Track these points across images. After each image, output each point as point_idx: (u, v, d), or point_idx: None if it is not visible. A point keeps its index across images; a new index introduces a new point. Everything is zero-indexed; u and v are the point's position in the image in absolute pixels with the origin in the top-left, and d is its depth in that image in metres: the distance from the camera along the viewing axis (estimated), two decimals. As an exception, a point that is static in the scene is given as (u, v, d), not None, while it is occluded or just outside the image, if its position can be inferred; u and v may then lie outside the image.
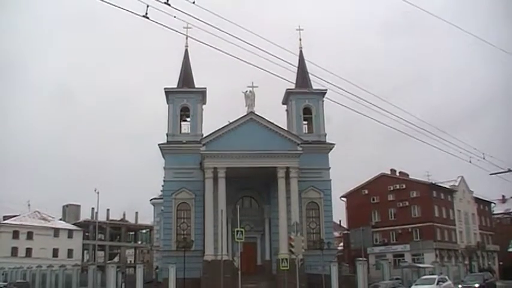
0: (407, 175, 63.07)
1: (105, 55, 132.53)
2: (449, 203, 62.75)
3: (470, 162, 26.35)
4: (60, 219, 74.20)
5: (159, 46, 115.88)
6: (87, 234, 72.59)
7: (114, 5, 13.54)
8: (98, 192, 53.62)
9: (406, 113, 22.19)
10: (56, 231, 69.26)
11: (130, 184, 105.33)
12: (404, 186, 60.60)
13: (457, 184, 64.76)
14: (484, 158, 26.52)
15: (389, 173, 63.31)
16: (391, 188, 61.15)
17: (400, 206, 60.04)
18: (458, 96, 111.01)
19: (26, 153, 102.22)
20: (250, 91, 38.71)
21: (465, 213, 65.45)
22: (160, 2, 13.60)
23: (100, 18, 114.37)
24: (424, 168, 79.28)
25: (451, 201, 63.15)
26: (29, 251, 65.15)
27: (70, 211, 76.38)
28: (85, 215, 74.82)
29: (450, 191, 63.43)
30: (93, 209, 70.27)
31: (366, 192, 62.80)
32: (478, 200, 68.85)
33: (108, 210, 76.44)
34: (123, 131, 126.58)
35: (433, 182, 60.69)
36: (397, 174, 63.25)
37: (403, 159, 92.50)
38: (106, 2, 13.37)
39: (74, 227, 71.85)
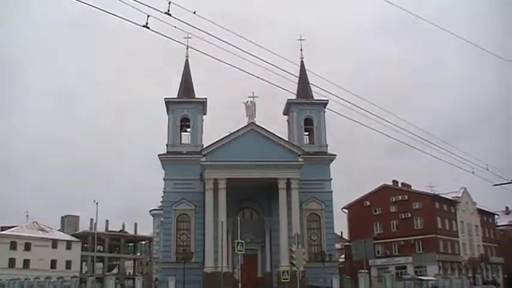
0: (410, 186, 62.96)
1: (104, 64, 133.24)
2: (452, 215, 62.53)
3: (473, 173, 26.21)
4: (59, 230, 74.04)
5: (159, 56, 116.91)
6: (85, 245, 72.43)
7: (115, 15, 13.66)
8: (97, 203, 53.54)
9: (409, 124, 22.17)
10: (54, 243, 69.10)
11: (130, 195, 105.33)
12: (406, 198, 60.43)
13: (460, 195, 64.55)
14: (487, 169, 26.43)
15: (391, 184, 63.20)
16: (393, 200, 61.00)
17: (402, 217, 59.82)
18: (462, 106, 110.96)
19: (24, 163, 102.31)
20: (251, 101, 39.02)
21: (468, 225, 65.19)
22: (161, 12, 13.68)
23: (99, 27, 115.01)
24: (427, 180, 79.04)
25: (454, 212, 62.91)
26: (26, 263, 64.94)
27: (69, 222, 76.28)
28: (84, 226, 74.82)
29: (453, 203, 63.24)
30: (92, 220, 70.43)
31: (368, 203, 62.65)
32: (481, 212, 68.60)
33: (107, 221, 76.45)
34: (123, 142, 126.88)
35: (436, 193, 60.55)
36: (400, 185, 63.16)
37: (406, 170, 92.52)
38: (107, 12, 13.50)
39: (73, 238, 71.70)
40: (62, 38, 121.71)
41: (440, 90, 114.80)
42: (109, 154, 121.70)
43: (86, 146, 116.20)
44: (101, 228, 71.08)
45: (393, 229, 60.53)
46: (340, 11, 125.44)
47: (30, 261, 64.91)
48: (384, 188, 62.39)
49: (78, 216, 76.96)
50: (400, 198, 60.71)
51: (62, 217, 77.21)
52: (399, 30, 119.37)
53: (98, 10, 13.35)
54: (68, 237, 71.58)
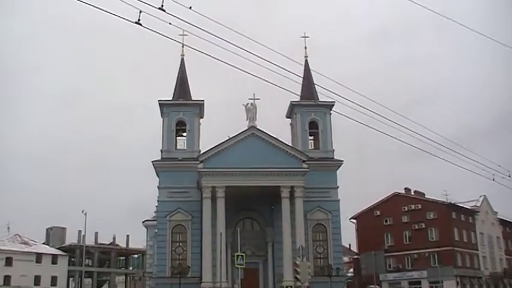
0: (424, 194, 63.20)
1: (93, 65, 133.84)
2: (471, 225, 62.63)
3: (493, 180, 26.23)
4: (44, 243, 74.29)
5: (153, 55, 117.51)
6: (73, 259, 72.65)
7: (105, 10, 13.84)
8: (85, 214, 53.70)
9: (423, 128, 22.45)
10: (39, 257, 69.22)
11: (121, 205, 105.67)
12: (420, 207, 60.72)
13: (479, 204, 64.64)
14: (509, 176, 26.53)
15: (403, 192, 63.51)
16: (406, 209, 61.28)
17: (415, 228, 60.08)
18: (480, 108, 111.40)
19: (5, 170, 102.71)
20: (251, 104, 39.44)
21: (489, 237, 65.25)
22: (154, 7, 13.83)
23: (87, 24, 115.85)
24: (442, 187, 79.12)
25: (472, 223, 63.02)
26: (7, 279, 64.93)
27: (54, 234, 76.56)
28: (71, 239, 75.04)
29: (471, 212, 63.38)
30: (80, 231, 70.52)
31: (378, 213, 62.96)
32: (503, 222, 68.60)
33: (96, 233, 76.69)
34: (114, 148, 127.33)
35: (452, 202, 60.72)
36: (412, 193, 63.43)
37: (419, 177, 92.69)
38: (96, 7, 13.68)
39: (59, 252, 71.92)
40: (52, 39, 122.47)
41: (457, 92, 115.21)
42: (99, 161, 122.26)
43: (73, 153, 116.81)
44: (89, 241, 71.26)
45: (406, 241, 60.78)
46: (348, 10, 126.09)
47: (12, 278, 64.90)
48: (395, 197, 62.70)
49: (64, 228, 77.30)
50: (413, 207, 60.98)
51: (47, 229, 77.52)
52: (415, 29, 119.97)
53: (89, 7, 13.51)
54: (54, 251, 71.81)
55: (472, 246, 61.34)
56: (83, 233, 65.30)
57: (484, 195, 65.25)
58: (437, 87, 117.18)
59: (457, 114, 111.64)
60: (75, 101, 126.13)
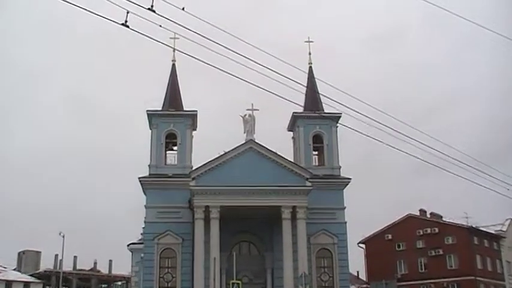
0: (441, 217, 63.64)
1: (76, 68, 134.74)
2: (496, 252, 62.79)
3: (521, 201, 26.44)
4: (15, 270, 74.33)
5: (141, 60, 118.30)
6: (48, 287, 72.64)
7: (90, 11, 14.18)
8: (63, 236, 54.13)
9: (439, 142, 22.83)
10: (9, 284, 69.16)
11: (104, 226, 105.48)
12: (437, 231, 61.02)
13: (505, 229, 64.79)
14: (540, 197, 26.66)
15: (418, 214, 63.91)
16: (421, 233, 61.62)
17: (432, 254, 60.35)
18: (505, 119, 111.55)
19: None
20: (249, 115, 39.84)
21: (517, 265, 65.33)
22: (143, 7, 14.15)
23: (72, 25, 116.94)
24: (462, 209, 79.32)
25: (497, 249, 63.22)
26: (-27, 310, 65.01)
27: (28, 259, 76.69)
28: (46, 264, 75.29)
29: (496, 237, 63.59)
30: (56, 256, 70.93)
31: (390, 237, 63.26)
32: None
33: (75, 257, 76.96)
34: (96, 161, 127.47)
35: (474, 226, 60.90)
36: (428, 215, 63.85)
37: (435, 197, 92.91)
38: (82, 8, 14.00)
39: (32, 279, 71.95)
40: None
41: (478, 101, 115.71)
42: (80, 176, 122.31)
43: (52, 167, 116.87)
44: (67, 266, 71.51)
45: (421, 269, 61.03)
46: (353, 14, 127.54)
47: (-21, 309, 64.93)
48: (409, 219, 63.06)
49: (39, 252, 77.44)
50: (429, 231, 61.29)
51: (19, 253, 77.65)
52: (426, 31, 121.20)
53: (74, 7, 13.80)
54: (26, 278, 71.81)
55: (497, 276, 61.32)
56: (59, 258, 65.81)
57: (511, 219, 65.41)
58: (456, 95, 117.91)
59: (478, 126, 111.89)
60: (54, 112, 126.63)
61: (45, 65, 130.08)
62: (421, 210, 64.36)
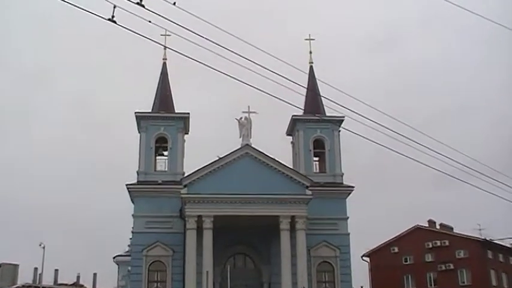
0: (451, 228, 63.70)
1: (57, 65, 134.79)
2: (512, 267, 63.07)
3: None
4: (-10, 284, 74.29)
5: (129, 58, 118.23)
6: (26, 303, 72.62)
7: (73, 5, 14.22)
8: (43, 247, 54.00)
9: (450, 148, 22.77)
10: (-17, 300, 69.21)
11: (88, 236, 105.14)
12: (447, 243, 61.11)
13: (521, 241, 65.03)
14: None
15: (426, 225, 63.98)
16: (430, 245, 61.69)
17: (442, 269, 60.40)
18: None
19: None
20: (245, 118, 40.10)
21: (535, 281, 65.48)
22: (131, 2, 14.21)
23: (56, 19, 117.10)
24: (475, 220, 79.28)
25: (514, 264, 63.45)
26: None
27: (4, 272, 76.47)
28: (25, 278, 75.04)
29: (512, 251, 63.87)
30: (36, 269, 70.75)
31: (396, 250, 63.40)
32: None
33: (56, 271, 76.81)
34: (80, 167, 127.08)
35: (488, 239, 60.90)
36: (438, 227, 63.90)
37: (445, 207, 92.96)
38: (66, 1, 14.07)
39: (9, 294, 71.89)
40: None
41: (493, 104, 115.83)
42: (61, 184, 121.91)
43: (32, 175, 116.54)
44: (47, 281, 71.33)
45: (430, 284, 61.08)
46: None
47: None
48: (417, 230, 63.14)
49: (17, 265, 77.21)
50: (438, 243, 61.37)
51: (-4, 266, 77.44)
52: (436, 26, 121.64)
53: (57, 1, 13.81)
54: (3, 293, 71.79)
55: (514, 293, 61.47)
56: (39, 271, 65.55)
57: (528, 231, 65.63)
58: (469, 97, 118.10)
59: (492, 131, 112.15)
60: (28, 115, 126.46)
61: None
62: (430, 221, 64.40)
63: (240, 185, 37.90)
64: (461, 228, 62.79)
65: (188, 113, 43.86)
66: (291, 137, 46.32)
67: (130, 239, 42.77)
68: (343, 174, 43.37)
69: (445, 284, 59.46)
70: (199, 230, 37.50)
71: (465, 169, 23.18)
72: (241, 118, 40.24)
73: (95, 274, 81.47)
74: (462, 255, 59.91)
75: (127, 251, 49.29)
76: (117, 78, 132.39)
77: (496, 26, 25.97)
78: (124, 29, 14.60)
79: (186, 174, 40.03)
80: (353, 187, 42.50)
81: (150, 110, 44.49)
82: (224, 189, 37.73)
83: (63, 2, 13.92)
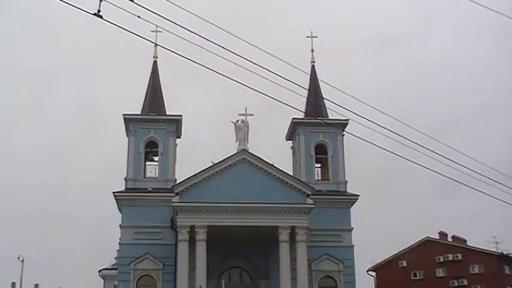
0: (465, 241, 63.96)
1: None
2: (532, 284, 63.09)
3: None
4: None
5: (117, 57, 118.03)
6: (4, 321, 72.55)
7: None
8: (22, 260, 54.10)
9: (464, 155, 22.93)
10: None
11: (71, 248, 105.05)
12: (460, 257, 61.40)
13: (542, 256, 65.14)
14: None
15: (437, 237, 64.28)
16: (441, 259, 62.00)
17: (455, 285, 60.67)
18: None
19: None
20: (242, 121, 40.30)
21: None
22: None
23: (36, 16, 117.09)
24: (490, 233, 79.48)
25: (533, 280, 63.53)
26: None
27: (-20, 287, 76.54)
28: (2, 294, 74.96)
29: (532, 266, 63.93)
30: (13, 284, 70.64)
31: (404, 264, 63.61)
32: None
33: (36, 286, 76.71)
34: (64, 174, 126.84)
35: (505, 253, 61.15)
36: (450, 239, 64.22)
37: (458, 218, 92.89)
38: None
39: (-15, 311, 71.85)
40: None
41: (504, 108, 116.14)
42: (43, 185, 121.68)
43: (11, 181, 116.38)
44: (27, 297, 71.28)
45: (442, 302, 61.36)
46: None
47: None
48: (427, 243, 63.44)
49: (-7, 280, 77.27)
50: (450, 257, 61.66)
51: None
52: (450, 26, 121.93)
53: None
54: (-21, 310, 71.70)
55: (532, 312, 61.60)
56: (17, 286, 65.52)
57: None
58: (482, 98, 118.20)
59: (508, 135, 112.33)
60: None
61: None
62: (441, 233, 64.70)
63: (236, 193, 37.96)
64: (475, 240, 63.21)
65: (180, 116, 44.08)
66: (291, 142, 46.56)
67: (118, 251, 42.75)
68: (347, 181, 43.54)
69: (458, 301, 59.74)
70: (192, 242, 37.52)
71: (479, 176, 23.14)
72: (237, 121, 40.42)
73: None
74: (477, 271, 60.28)
75: (113, 264, 49.26)
76: (101, 76, 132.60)
77: (508, 20, 26.03)
78: (111, 24, 14.71)
79: (178, 181, 40.00)
80: (358, 195, 42.62)
81: (139, 112, 44.62)
82: (219, 197, 37.81)
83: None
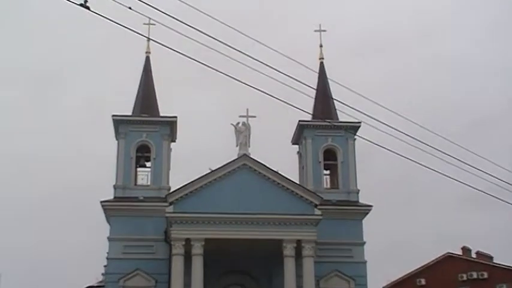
0: (491, 258, 63.81)
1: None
2: None
3: None
4: None
5: (106, 52, 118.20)
6: None
7: None
8: (-1, 276, 54.41)
9: (491, 163, 23.41)
10: None
11: (54, 264, 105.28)
12: (485, 276, 61.23)
13: None
14: None
15: (460, 253, 64.21)
16: (464, 277, 61.80)
17: (479, 305, 60.70)
18: None
19: None
20: (243, 123, 40.33)
21: None
22: None
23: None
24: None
25: None
26: None
27: (-46, 306, 76.87)
28: (-22, 314, 75.24)
29: None
30: (-9, 303, 70.95)
31: (423, 282, 63.46)
32: None
33: (16, 305, 76.94)
34: (48, 182, 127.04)
35: (535, 271, 61.34)
36: (474, 255, 64.16)
37: (482, 233, 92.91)
38: None
39: (-40, 332, 72.13)
40: None
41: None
42: (24, 200, 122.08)
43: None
44: (5, 317, 71.57)
45: (464, 325, 61.29)
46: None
47: None
48: (448, 259, 63.33)
49: (-31, 298, 77.62)
50: (474, 275, 61.48)
51: None
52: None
53: None
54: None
55: None
56: (-4, 305, 65.83)
57: None
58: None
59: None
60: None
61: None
62: (464, 249, 64.61)
63: (236, 202, 37.99)
64: (502, 257, 63.14)
65: (175, 117, 44.18)
66: (297, 146, 46.77)
67: (105, 266, 42.83)
68: (359, 190, 43.69)
69: (483, 323, 59.75)
70: (188, 256, 37.47)
71: (507, 186, 23.54)
72: (238, 123, 40.42)
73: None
74: (504, 290, 60.18)
75: (100, 281, 49.36)
76: (88, 73, 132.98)
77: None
78: (99, 16, 14.94)
79: (172, 190, 40.04)
80: (371, 206, 42.75)
81: (130, 114, 44.82)
82: (217, 207, 37.81)
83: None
